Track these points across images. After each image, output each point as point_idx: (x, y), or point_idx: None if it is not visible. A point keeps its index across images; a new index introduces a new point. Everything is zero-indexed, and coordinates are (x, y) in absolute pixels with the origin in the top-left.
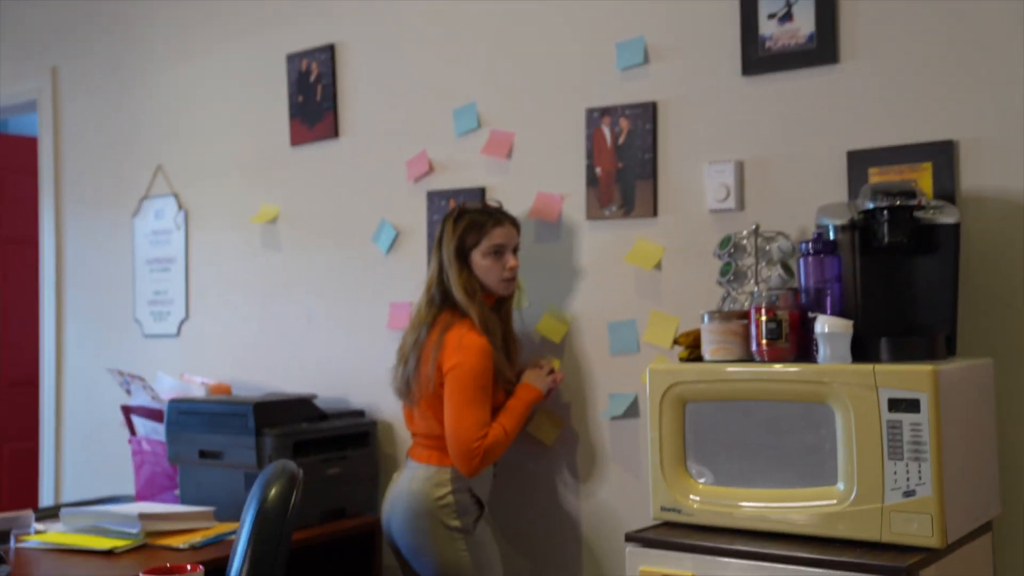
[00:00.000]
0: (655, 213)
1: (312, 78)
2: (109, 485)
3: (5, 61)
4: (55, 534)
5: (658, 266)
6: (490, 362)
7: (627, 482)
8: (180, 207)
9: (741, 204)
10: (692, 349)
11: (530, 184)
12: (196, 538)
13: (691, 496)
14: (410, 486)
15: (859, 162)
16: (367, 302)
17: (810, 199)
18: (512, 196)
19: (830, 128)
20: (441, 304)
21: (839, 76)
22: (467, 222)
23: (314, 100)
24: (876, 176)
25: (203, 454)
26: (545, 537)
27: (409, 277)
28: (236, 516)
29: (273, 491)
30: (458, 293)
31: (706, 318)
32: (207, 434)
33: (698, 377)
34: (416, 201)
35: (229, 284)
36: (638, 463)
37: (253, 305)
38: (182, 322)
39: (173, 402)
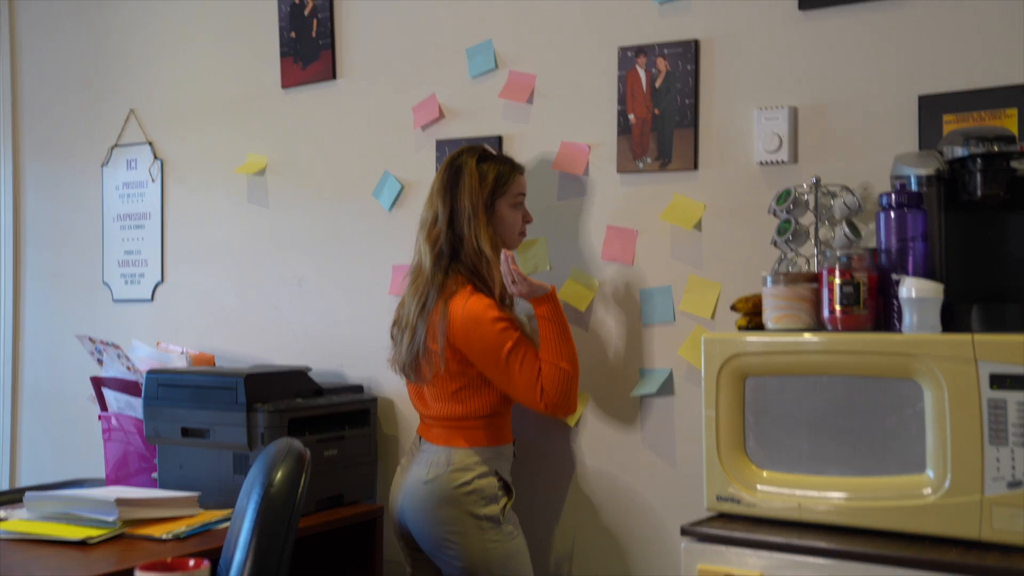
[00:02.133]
0: (695, 166)
1: (307, 11)
2: (74, 466)
3: None
4: (19, 522)
5: (698, 226)
6: (502, 314)
7: (661, 468)
8: (155, 156)
9: (794, 155)
10: (752, 317)
11: (553, 132)
12: (180, 527)
13: (752, 485)
14: (427, 472)
15: (932, 108)
16: (366, 264)
17: (874, 150)
18: (533, 145)
19: (898, 70)
20: (450, 261)
21: (909, 11)
22: (496, 168)
23: (309, 36)
24: (952, 124)
25: (186, 432)
26: (566, 529)
27: (415, 237)
28: (223, 502)
29: (279, 474)
30: (486, 247)
31: (768, 281)
32: (190, 410)
33: (763, 348)
34: (424, 151)
35: (210, 243)
36: (673, 447)
37: (237, 267)
38: (157, 285)
39: (152, 373)
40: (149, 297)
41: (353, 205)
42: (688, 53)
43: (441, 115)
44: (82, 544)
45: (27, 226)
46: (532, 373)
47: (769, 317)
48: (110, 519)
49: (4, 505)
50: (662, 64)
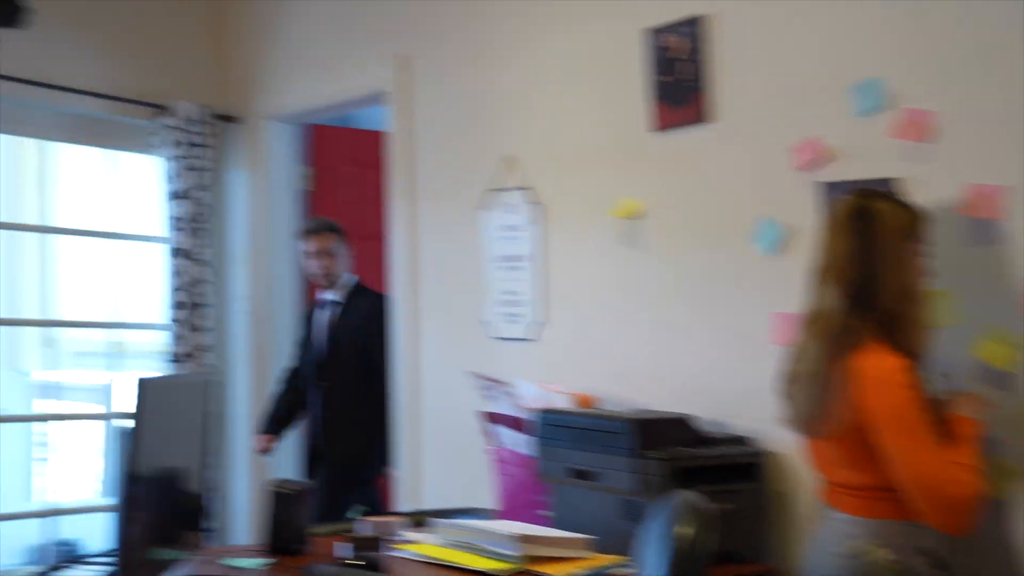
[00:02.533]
0: None
1: (676, 55)
2: (464, 494)
3: (350, 52)
4: (429, 546)
5: None
6: (917, 382)
7: None
8: (533, 200)
9: None
10: None
11: (958, 173)
12: (576, 570)
13: None
14: (839, 545)
15: None
16: (745, 311)
17: None
18: (932, 187)
19: None
20: (863, 310)
21: None
22: (909, 211)
23: (679, 80)
24: None
25: (575, 473)
26: None
27: (797, 283)
28: (610, 547)
29: (689, 531)
30: (905, 294)
31: None
32: (579, 451)
33: None
34: (805, 194)
35: (585, 286)
36: None
37: (613, 310)
38: (534, 325)
39: (542, 413)
40: (527, 336)
41: (729, 250)
42: None
43: (823, 157)
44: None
45: (422, 267)
46: (948, 455)
47: None
48: (513, 554)
49: (416, 527)
50: None
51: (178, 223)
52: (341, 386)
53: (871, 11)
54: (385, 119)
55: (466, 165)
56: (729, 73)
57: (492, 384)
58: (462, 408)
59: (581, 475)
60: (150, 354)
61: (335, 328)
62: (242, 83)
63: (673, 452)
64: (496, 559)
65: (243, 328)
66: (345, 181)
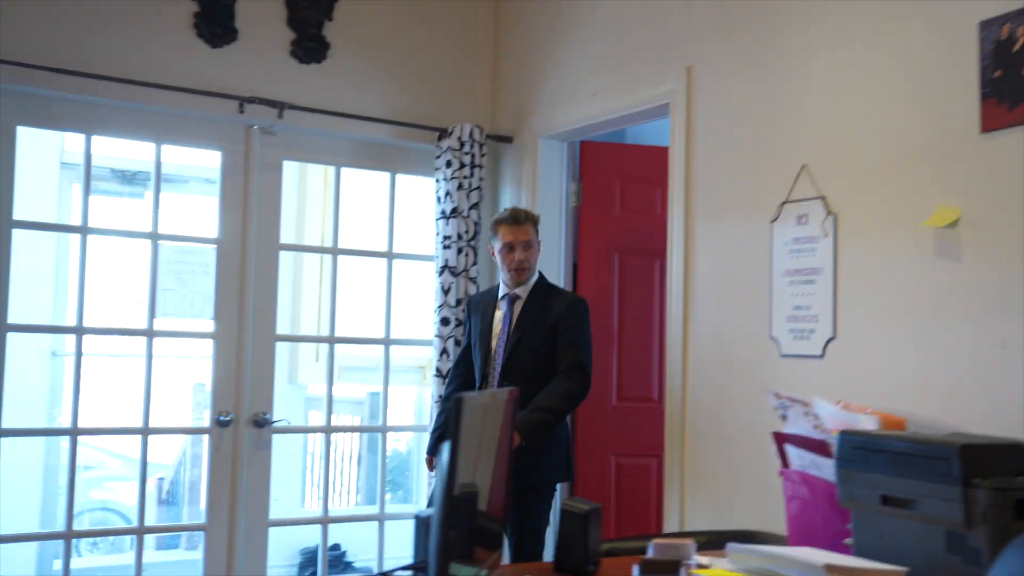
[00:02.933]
0: None
1: (1016, 47)
2: (739, 517)
3: (638, 64)
4: (723, 571)
5: None
6: None
7: None
8: (828, 211)
9: None
10: None
11: None
12: None
13: None
14: None
15: None
16: None
17: None
18: None
19: None
20: None
21: None
22: None
23: (1018, 75)
24: None
25: (886, 500)
26: None
27: None
28: None
29: None
30: None
31: None
32: (890, 477)
33: None
34: None
35: (888, 299)
36: None
37: (921, 325)
38: (828, 341)
39: (846, 435)
40: (819, 353)
41: None
42: None
43: None
44: None
45: (696, 283)
46: None
47: None
48: None
49: (705, 550)
50: None
51: (445, 240)
52: (523, 386)
53: None
54: (660, 134)
55: (753, 177)
56: None
57: (789, 403)
58: (742, 427)
59: (892, 502)
60: (415, 369)
61: (523, 325)
62: (516, 103)
63: (1005, 482)
64: None
65: None
66: (615, 196)
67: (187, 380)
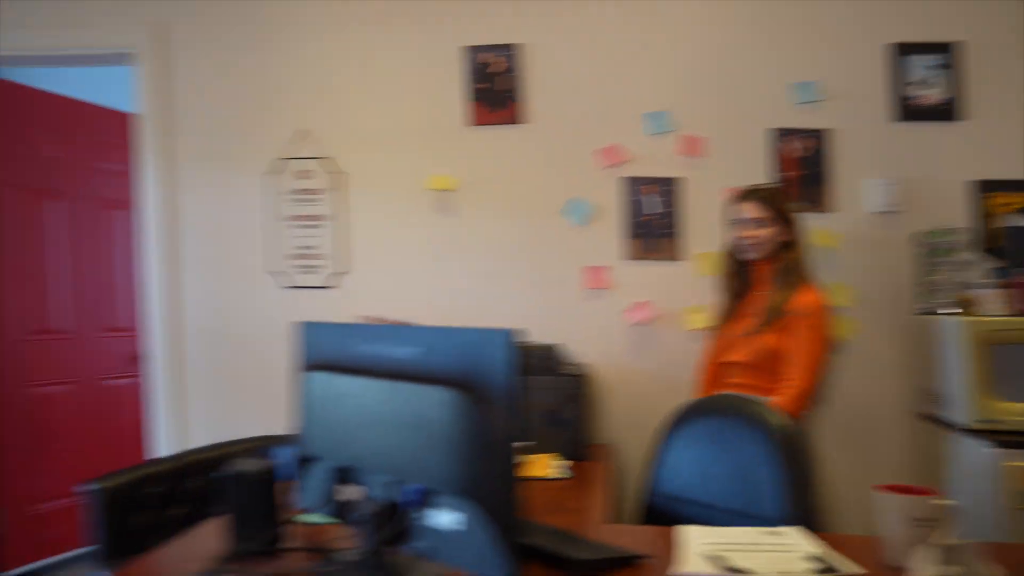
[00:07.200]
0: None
1: (492, 70)
2: (247, 427)
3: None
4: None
5: None
6: None
7: None
8: (338, 170)
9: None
10: None
11: (719, 178)
12: None
13: None
14: None
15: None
16: (558, 266)
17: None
18: (701, 187)
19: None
20: None
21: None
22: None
23: (495, 90)
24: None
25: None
26: None
27: (604, 246)
28: None
29: None
30: None
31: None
32: None
33: None
34: (607, 183)
35: (399, 242)
36: None
37: (427, 261)
38: (342, 275)
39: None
40: (330, 285)
41: (540, 220)
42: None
43: (623, 158)
44: None
45: (184, 227)
46: None
47: None
48: None
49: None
50: (799, 143)
51: None
52: None
53: (660, 54)
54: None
55: (245, 134)
56: (540, 91)
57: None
58: (239, 346)
59: None
60: None
61: None
62: None
63: None
64: None
65: None
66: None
67: None
